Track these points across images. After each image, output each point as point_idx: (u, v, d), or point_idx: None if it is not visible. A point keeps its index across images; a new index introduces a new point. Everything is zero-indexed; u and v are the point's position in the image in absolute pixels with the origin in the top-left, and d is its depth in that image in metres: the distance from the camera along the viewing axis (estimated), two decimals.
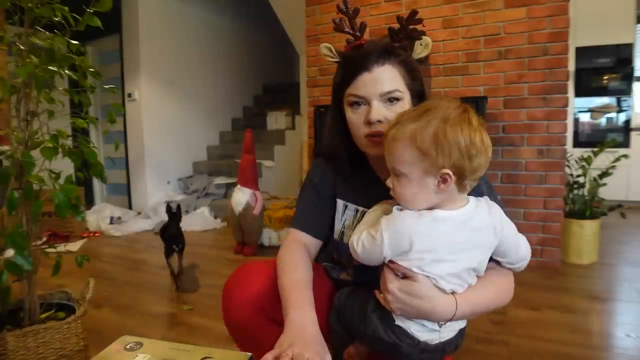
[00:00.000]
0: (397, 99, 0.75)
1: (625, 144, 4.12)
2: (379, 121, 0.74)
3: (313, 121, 2.81)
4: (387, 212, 0.71)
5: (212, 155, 5.11)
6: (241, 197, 2.77)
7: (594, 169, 2.49)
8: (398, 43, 0.77)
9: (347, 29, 0.79)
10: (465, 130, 0.61)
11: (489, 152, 0.64)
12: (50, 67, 1.14)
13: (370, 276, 0.80)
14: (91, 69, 1.26)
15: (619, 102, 4.23)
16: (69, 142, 1.22)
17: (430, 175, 0.63)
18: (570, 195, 2.51)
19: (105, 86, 1.48)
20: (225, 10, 5.25)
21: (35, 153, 1.15)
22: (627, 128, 4.19)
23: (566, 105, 2.35)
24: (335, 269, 0.92)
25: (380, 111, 0.74)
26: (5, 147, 1.28)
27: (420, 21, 0.75)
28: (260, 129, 4.88)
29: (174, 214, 2.46)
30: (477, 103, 2.17)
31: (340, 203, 0.86)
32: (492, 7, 2.45)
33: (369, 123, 0.74)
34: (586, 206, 2.46)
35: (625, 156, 2.50)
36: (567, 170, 2.49)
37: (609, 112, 4.27)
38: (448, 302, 0.67)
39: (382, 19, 2.73)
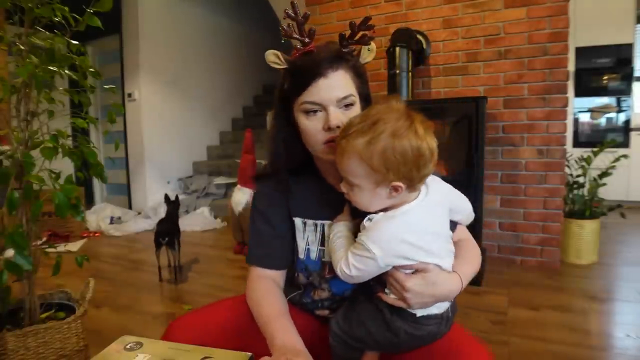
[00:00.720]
0: (352, 104, 0.75)
1: (625, 144, 4.11)
2: (338, 127, 0.73)
3: None
4: (350, 228, 0.75)
5: (212, 155, 5.11)
6: (241, 197, 2.78)
7: (593, 169, 2.50)
8: (346, 49, 0.76)
9: (295, 35, 0.76)
10: (413, 142, 0.62)
11: (435, 157, 0.65)
12: (50, 67, 1.14)
13: (346, 284, 0.81)
14: (91, 69, 1.26)
15: (618, 102, 4.23)
16: (69, 142, 1.22)
17: (381, 186, 0.65)
18: (570, 195, 2.51)
19: (105, 86, 1.49)
20: (225, 10, 5.25)
21: (35, 153, 1.15)
22: (626, 128, 4.18)
23: (566, 105, 2.35)
24: (304, 293, 0.87)
25: (338, 116, 0.73)
26: (5, 147, 1.28)
27: (371, 27, 0.75)
28: (260, 129, 4.87)
29: (173, 202, 2.53)
30: (477, 103, 2.17)
31: (298, 221, 0.83)
32: (492, 7, 2.45)
33: (328, 129, 0.73)
34: (586, 206, 2.46)
35: (625, 156, 2.51)
36: (567, 170, 2.50)
37: (609, 112, 4.27)
38: (455, 279, 0.71)
39: (382, 18, 2.73)
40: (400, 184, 0.64)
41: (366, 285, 0.80)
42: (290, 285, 0.88)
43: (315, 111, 0.73)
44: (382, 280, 0.73)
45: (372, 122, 0.64)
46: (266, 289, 0.79)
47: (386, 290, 0.72)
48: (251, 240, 0.85)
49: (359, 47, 0.78)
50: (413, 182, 0.65)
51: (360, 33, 0.75)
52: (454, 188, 0.78)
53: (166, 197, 2.59)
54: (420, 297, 0.67)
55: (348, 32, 0.76)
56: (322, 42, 0.78)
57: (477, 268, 0.77)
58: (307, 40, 0.76)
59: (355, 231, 0.74)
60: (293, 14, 0.75)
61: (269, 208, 0.83)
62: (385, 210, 0.69)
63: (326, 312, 0.86)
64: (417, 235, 0.67)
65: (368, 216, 0.69)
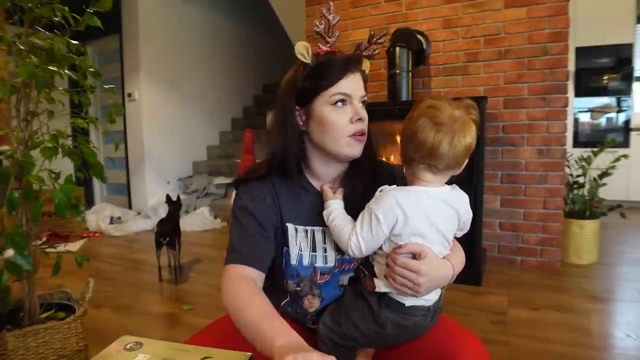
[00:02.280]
0: (365, 102, 0.82)
1: (625, 144, 4.12)
2: (363, 120, 0.79)
3: None
4: (343, 206, 0.79)
5: (212, 155, 5.11)
6: None
7: (593, 169, 2.50)
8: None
9: (323, 34, 0.82)
10: (422, 123, 0.69)
11: (428, 150, 0.69)
12: (50, 67, 1.14)
13: (337, 290, 0.82)
14: (91, 69, 1.26)
15: (618, 102, 4.23)
16: (69, 142, 1.22)
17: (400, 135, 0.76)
18: (570, 195, 2.51)
19: (105, 86, 1.49)
20: (225, 10, 5.25)
21: (35, 153, 1.15)
22: (626, 128, 4.19)
23: (566, 105, 2.35)
24: (292, 301, 0.85)
25: (363, 111, 0.79)
26: (5, 147, 1.28)
27: (382, 42, 0.85)
28: (260, 129, 4.87)
29: (175, 202, 2.56)
30: (477, 103, 2.16)
31: (291, 227, 0.81)
32: (492, 7, 2.45)
33: (358, 120, 0.77)
34: (586, 206, 2.46)
35: (625, 156, 2.51)
36: (567, 170, 2.50)
37: (609, 112, 4.27)
38: (448, 265, 0.75)
39: (382, 18, 2.73)
40: (399, 141, 0.74)
41: (353, 283, 0.82)
42: (277, 293, 0.85)
43: (344, 102, 0.77)
44: (371, 271, 0.76)
45: (449, 100, 0.72)
46: (251, 290, 0.71)
47: (375, 281, 0.75)
48: (234, 237, 0.79)
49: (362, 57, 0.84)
50: (407, 154, 0.72)
51: (373, 47, 0.83)
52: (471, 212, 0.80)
53: (168, 198, 2.60)
54: (430, 282, 0.71)
55: (365, 43, 0.83)
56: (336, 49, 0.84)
57: (463, 262, 0.81)
58: (330, 40, 0.82)
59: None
60: (328, 15, 0.82)
61: (258, 208, 0.80)
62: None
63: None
64: (414, 210, 0.70)
65: (380, 188, 0.74)
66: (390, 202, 0.70)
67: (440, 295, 0.78)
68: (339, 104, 0.77)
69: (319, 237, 0.82)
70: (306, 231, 0.82)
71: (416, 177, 0.73)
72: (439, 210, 0.72)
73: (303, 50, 0.78)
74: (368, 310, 0.74)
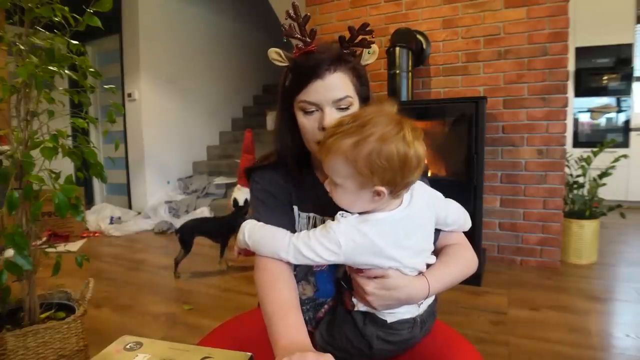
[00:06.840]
0: (349, 106, 0.76)
1: (625, 144, 4.12)
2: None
3: None
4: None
5: (212, 155, 5.11)
6: (241, 196, 2.78)
7: (593, 169, 2.50)
8: (346, 50, 0.78)
9: (297, 35, 0.77)
10: (400, 148, 0.61)
11: (422, 164, 0.64)
12: (50, 67, 1.14)
13: (331, 285, 0.81)
14: (91, 69, 1.26)
15: (618, 102, 4.23)
16: (69, 142, 1.22)
17: (365, 189, 0.64)
18: (570, 195, 2.51)
19: (105, 86, 1.49)
20: (225, 10, 5.25)
21: (35, 153, 1.15)
22: (626, 128, 4.19)
23: (566, 106, 2.35)
24: None
25: (334, 117, 0.74)
26: (5, 147, 1.28)
27: (370, 32, 0.77)
28: (260, 129, 4.88)
29: (241, 207, 2.69)
30: (477, 103, 2.17)
31: (296, 210, 0.83)
32: (491, 7, 2.45)
33: (323, 129, 0.74)
34: (586, 206, 2.46)
35: (624, 156, 2.51)
36: (567, 170, 2.50)
37: (609, 112, 4.28)
38: (420, 283, 0.70)
39: (382, 18, 2.73)
40: (383, 188, 0.63)
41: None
42: None
43: (312, 111, 0.75)
44: (349, 284, 0.74)
45: (361, 123, 0.63)
46: (274, 273, 0.74)
47: (354, 300, 0.73)
48: (257, 216, 0.81)
49: (360, 49, 0.79)
50: (396, 188, 0.64)
51: (360, 37, 0.77)
52: (441, 199, 0.77)
53: (235, 202, 2.71)
54: (382, 299, 0.69)
55: (348, 35, 0.77)
56: (325, 41, 0.79)
57: (459, 273, 0.77)
58: (308, 40, 0.77)
59: None
60: (294, 15, 0.76)
61: (275, 189, 0.83)
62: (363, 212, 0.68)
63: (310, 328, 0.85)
64: (379, 239, 0.66)
65: (341, 212, 0.68)
66: (352, 234, 0.66)
67: (430, 305, 0.75)
68: (307, 111, 0.75)
69: (319, 225, 0.82)
70: (308, 218, 0.83)
71: (394, 201, 0.67)
72: (405, 231, 0.68)
73: (275, 56, 0.78)
74: (354, 327, 0.74)
